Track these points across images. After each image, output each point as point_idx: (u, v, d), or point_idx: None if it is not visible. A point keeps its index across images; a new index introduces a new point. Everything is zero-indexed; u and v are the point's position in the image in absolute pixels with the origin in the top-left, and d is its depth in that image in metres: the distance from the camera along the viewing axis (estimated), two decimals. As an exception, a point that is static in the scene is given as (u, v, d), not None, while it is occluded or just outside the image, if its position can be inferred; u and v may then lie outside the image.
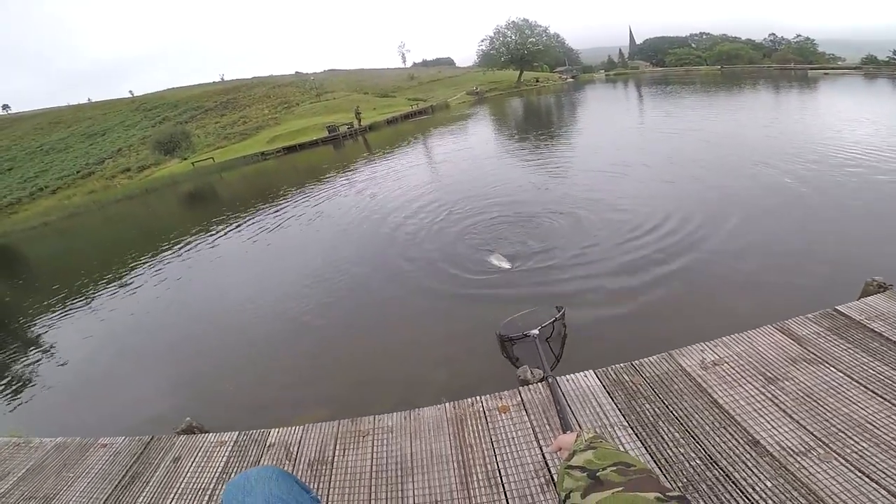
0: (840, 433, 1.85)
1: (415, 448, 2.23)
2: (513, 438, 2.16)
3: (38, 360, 6.05)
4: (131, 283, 8.34)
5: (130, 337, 6.12)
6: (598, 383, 2.38)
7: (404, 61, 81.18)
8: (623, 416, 2.17)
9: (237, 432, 2.61)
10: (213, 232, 10.74)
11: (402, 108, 36.46)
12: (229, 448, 2.50)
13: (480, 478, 2.01)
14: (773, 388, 2.13)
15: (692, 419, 2.08)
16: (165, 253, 9.88)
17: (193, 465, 2.43)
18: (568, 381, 2.44)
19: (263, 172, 21.64)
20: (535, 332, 3.38)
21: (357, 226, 8.73)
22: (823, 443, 1.83)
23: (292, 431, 2.53)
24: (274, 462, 2.31)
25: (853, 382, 2.08)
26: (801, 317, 2.54)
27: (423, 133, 22.96)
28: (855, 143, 8.94)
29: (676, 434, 2.02)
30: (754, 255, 4.87)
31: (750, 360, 2.33)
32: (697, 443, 1.96)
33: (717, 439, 1.96)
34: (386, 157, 17.50)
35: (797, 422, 1.94)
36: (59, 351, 6.24)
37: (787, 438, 1.88)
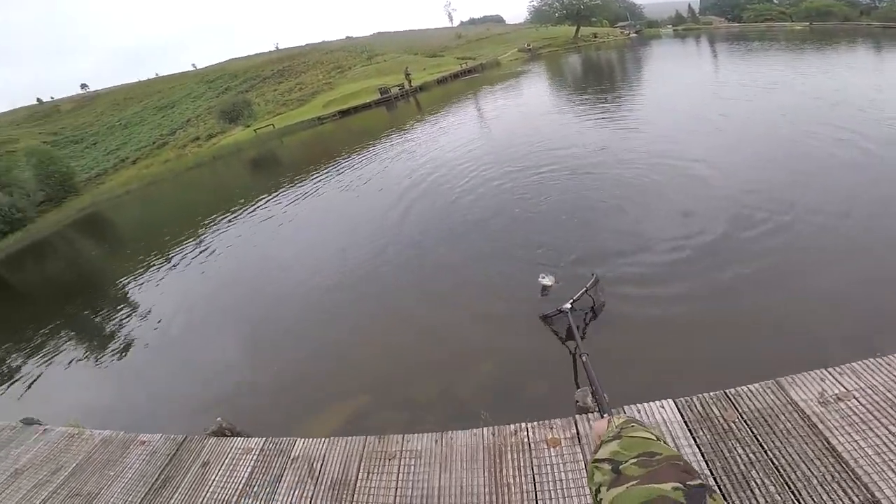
0: None
1: (444, 480, 2.07)
2: (560, 480, 1.93)
3: (119, 325, 7.08)
4: (203, 249, 9.48)
5: (197, 306, 6.89)
6: (678, 417, 2.01)
7: (451, 20, 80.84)
8: (706, 461, 1.83)
9: (263, 439, 2.64)
10: (276, 196, 11.85)
11: (451, 67, 36.90)
12: (254, 457, 2.53)
13: (517, 526, 1.84)
14: None
15: (797, 470, 1.68)
16: (231, 217, 11.12)
17: (219, 473, 2.50)
18: (639, 411, 2.10)
19: (321, 136, 23.17)
20: (567, 306, 3.51)
21: (412, 188, 9.01)
22: None
23: (317, 444, 2.50)
24: (296, 479, 2.33)
25: None
26: None
27: (474, 91, 22.94)
28: None
29: (772, 488, 1.64)
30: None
31: (888, 395, 1.85)
32: (798, 500, 1.61)
33: (826, 497, 1.57)
34: (437, 117, 17.82)
35: None
36: (140, 314, 7.28)
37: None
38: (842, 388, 1.92)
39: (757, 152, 6.59)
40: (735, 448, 1.84)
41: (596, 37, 45.05)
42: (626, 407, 2.14)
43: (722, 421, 1.96)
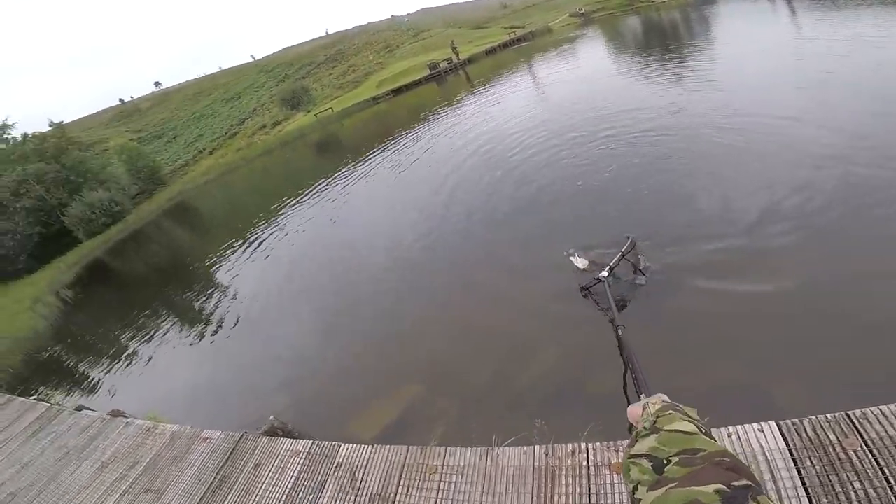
0: None
1: (486, 501, 1.91)
2: (622, 511, 1.71)
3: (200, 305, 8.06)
4: (279, 229, 10.49)
5: (262, 293, 7.47)
6: (781, 444, 1.65)
7: (495, -12, 77.90)
8: (809, 497, 1.50)
9: (311, 442, 2.68)
10: (341, 177, 12.67)
11: (498, 37, 36.26)
12: (301, 460, 2.57)
13: (571, 565, 1.64)
14: None
15: None
16: (306, 199, 12.00)
17: (269, 475, 2.58)
18: (731, 434, 1.77)
19: (377, 115, 24.33)
20: (605, 273, 3.44)
21: (465, 161, 9.17)
22: None
23: (361, 450, 2.46)
24: (338, 488, 2.31)
25: None
26: None
27: (525, 60, 22.36)
28: None
29: None
30: None
31: None
32: None
33: None
34: (488, 87, 17.73)
35: None
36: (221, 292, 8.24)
37: None
38: None
39: (861, 108, 5.40)
40: (851, 481, 1.47)
41: (654, -3, 41.66)
42: (713, 429, 1.79)
43: (839, 450, 1.57)
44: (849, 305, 2.91)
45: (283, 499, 2.40)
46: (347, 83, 44.21)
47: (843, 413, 1.70)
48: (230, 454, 2.91)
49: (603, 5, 41.00)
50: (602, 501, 1.75)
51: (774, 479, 1.58)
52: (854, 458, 1.53)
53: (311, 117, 32.90)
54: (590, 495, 1.79)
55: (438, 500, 2.02)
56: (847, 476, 1.49)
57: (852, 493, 1.44)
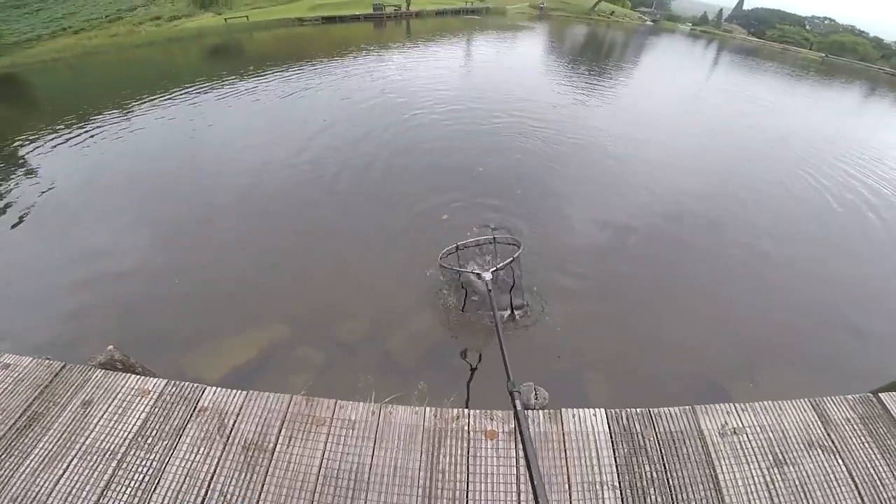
0: None
1: (377, 457, 2.11)
2: (492, 474, 2.10)
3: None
4: (131, 123, 8.43)
5: (103, 184, 6.08)
6: (606, 428, 2.26)
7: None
8: (618, 474, 2.14)
9: (164, 381, 2.34)
10: (229, 86, 11.12)
11: (455, 1, 36.31)
12: (152, 401, 2.25)
13: (447, 516, 2.02)
14: (776, 472, 2.11)
15: (685, 492, 2.05)
16: (174, 99, 10.03)
17: (105, 416, 2.18)
18: (574, 416, 2.30)
19: (296, 37, 22.10)
20: (488, 276, 3.22)
21: (372, 107, 9.43)
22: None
23: (232, 395, 2.29)
24: (202, 434, 2.14)
25: (848, 479, 2.10)
26: (840, 398, 2.47)
27: (468, 32, 23.57)
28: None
29: None
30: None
31: (770, 435, 2.28)
32: None
33: None
34: (424, 46, 18.41)
35: None
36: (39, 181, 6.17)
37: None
38: (740, 423, 2.34)
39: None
40: (643, 465, 2.17)
41: (612, 14, 45.50)
42: (563, 410, 2.36)
43: (640, 438, 2.28)
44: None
45: (126, 443, 2.09)
46: (278, -5, 35.66)
47: (646, 409, 2.42)
48: (45, 387, 2.32)
49: (564, 6, 44.23)
50: (477, 462, 2.13)
51: (598, 455, 2.19)
52: (648, 447, 2.24)
53: (220, 21, 28.30)
54: (468, 456, 2.16)
55: (327, 452, 2.11)
56: (642, 460, 2.18)
57: (644, 474, 2.11)
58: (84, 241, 4.77)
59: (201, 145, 7.41)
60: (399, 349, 3.43)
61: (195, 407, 2.24)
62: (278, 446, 2.13)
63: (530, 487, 1.45)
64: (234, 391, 2.32)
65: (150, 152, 7.05)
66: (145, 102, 9.76)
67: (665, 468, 2.16)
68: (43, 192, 5.70)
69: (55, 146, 7.29)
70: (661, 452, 2.21)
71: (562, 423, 2.30)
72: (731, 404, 2.41)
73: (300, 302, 3.95)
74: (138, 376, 2.37)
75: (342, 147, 7.19)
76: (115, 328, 3.57)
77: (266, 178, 6.10)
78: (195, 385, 2.33)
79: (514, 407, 1.75)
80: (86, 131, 7.93)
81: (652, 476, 2.13)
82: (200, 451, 2.08)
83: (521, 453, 2.17)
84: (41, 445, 2.06)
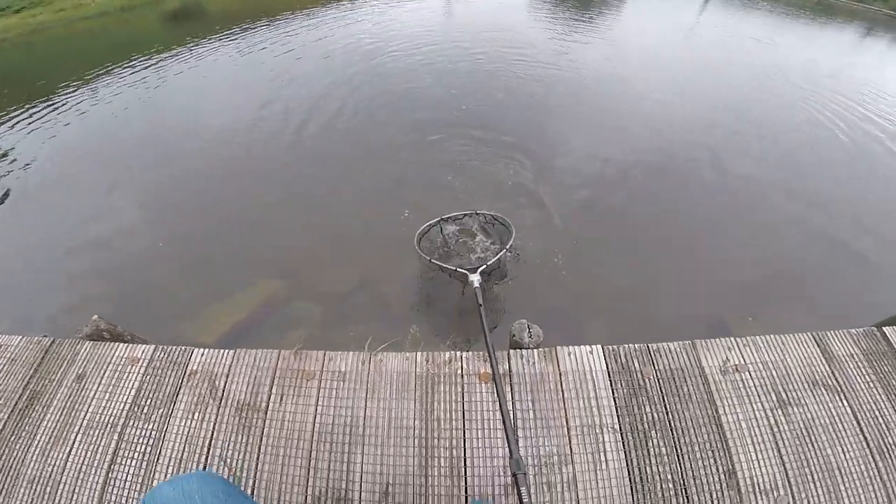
0: (809, 476, 1.94)
1: (371, 408, 2.09)
2: (487, 419, 2.08)
3: None
4: (95, 94, 7.73)
5: (75, 155, 5.75)
6: (604, 366, 2.21)
7: None
8: (618, 416, 2.13)
9: (152, 347, 2.29)
10: (191, 49, 10.06)
11: None
12: (143, 368, 2.21)
13: (443, 463, 1.97)
14: (779, 413, 2.08)
15: (687, 434, 2.03)
16: (134, 67, 9.12)
17: (100, 388, 2.17)
18: (570, 354, 2.24)
19: None
20: (475, 279, 2.74)
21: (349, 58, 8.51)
22: (790, 483, 1.91)
23: (220, 356, 2.24)
24: (195, 399, 2.12)
25: (853, 422, 2.08)
26: (844, 331, 2.36)
27: None
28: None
29: (664, 450, 2.00)
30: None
31: (774, 372, 2.23)
32: (679, 464, 1.96)
33: (700, 464, 1.96)
34: None
35: (781, 457, 1.98)
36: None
37: (761, 474, 1.94)
38: (741, 360, 2.28)
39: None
40: (644, 406, 2.15)
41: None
42: (558, 348, 2.30)
43: (640, 376, 2.23)
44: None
45: (124, 414, 2.09)
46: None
47: (645, 345, 2.36)
48: (38, 364, 2.27)
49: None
50: (472, 407, 2.12)
51: (597, 396, 2.16)
52: (648, 385, 2.21)
53: None
54: (462, 402, 2.14)
55: (320, 407, 2.10)
56: (642, 400, 2.15)
57: (645, 415, 2.09)
58: (64, 213, 4.59)
59: (169, 110, 6.89)
60: (391, 295, 3.36)
61: (185, 371, 2.20)
62: (270, 404, 2.11)
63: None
64: (223, 351, 2.27)
65: (119, 121, 6.58)
66: (106, 73, 8.95)
67: (666, 409, 2.13)
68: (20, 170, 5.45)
69: (19, 124, 6.81)
70: (662, 392, 2.18)
71: (557, 363, 2.25)
72: (732, 339, 2.33)
73: (288, 257, 3.83)
74: (127, 344, 2.32)
75: (316, 95, 6.78)
76: (102, 298, 3.52)
77: (239, 136, 5.74)
78: (183, 348, 2.28)
79: (519, 494, 1.30)
80: (51, 106, 7.36)
81: (653, 417, 2.11)
82: (195, 417, 2.08)
83: (515, 397, 2.15)
84: (45, 424, 2.07)
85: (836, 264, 4.00)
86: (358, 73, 7.50)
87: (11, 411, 2.11)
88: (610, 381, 2.21)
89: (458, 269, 2.97)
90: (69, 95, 7.88)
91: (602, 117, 6.23)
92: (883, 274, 3.92)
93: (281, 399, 2.12)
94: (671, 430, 2.07)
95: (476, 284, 2.69)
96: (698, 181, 4.95)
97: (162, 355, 2.27)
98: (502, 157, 5.02)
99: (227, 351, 2.26)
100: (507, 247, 3.19)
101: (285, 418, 2.07)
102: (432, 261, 3.14)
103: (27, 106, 7.58)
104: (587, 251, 3.90)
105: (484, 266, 2.95)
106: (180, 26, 16.30)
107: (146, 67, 9.00)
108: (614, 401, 2.15)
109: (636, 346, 2.33)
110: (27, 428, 2.06)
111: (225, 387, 2.15)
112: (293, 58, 8.59)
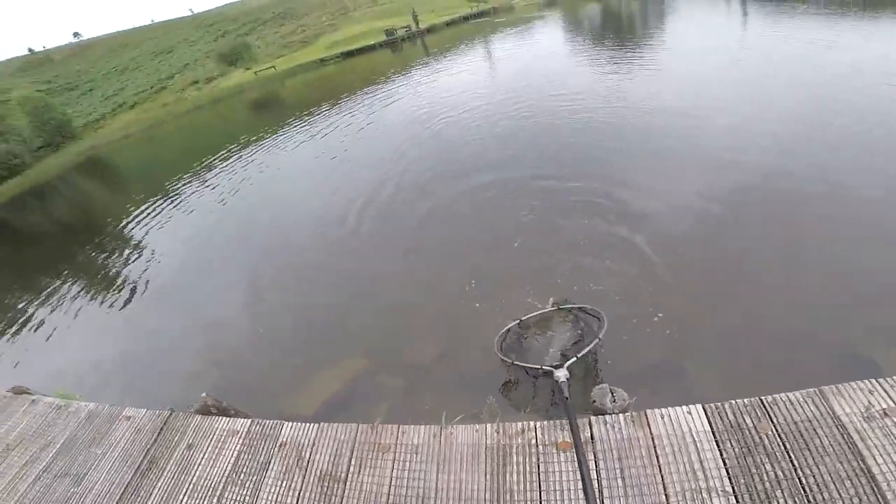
0: None
1: (442, 480, 2.04)
2: (569, 490, 1.89)
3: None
4: (204, 186, 10.27)
5: (194, 254, 7.37)
6: (706, 427, 1.91)
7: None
8: (730, 477, 1.76)
9: (250, 420, 2.63)
10: (280, 135, 12.92)
11: (460, 9, 37.04)
12: (241, 439, 2.52)
13: (520, 537, 1.81)
14: None
15: (825, 491, 1.59)
16: (230, 155, 11.95)
17: (205, 456, 2.50)
18: (662, 417, 2.00)
19: (324, 78, 24.15)
20: (562, 375, 2.56)
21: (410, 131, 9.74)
22: None
23: (307, 429, 2.46)
24: (284, 469, 2.34)
25: None
26: None
27: (484, 34, 23.50)
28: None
29: None
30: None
31: None
32: None
33: None
34: (446, 58, 18.73)
35: None
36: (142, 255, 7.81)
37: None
38: (890, 403, 1.81)
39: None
40: (764, 464, 1.75)
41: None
42: (648, 411, 2.07)
43: (754, 432, 1.86)
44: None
45: (224, 480, 2.36)
46: (295, 42, 42.56)
47: (757, 398, 2.00)
48: (158, 434, 2.79)
49: (570, -11, 44.21)
50: (550, 478, 1.93)
51: (701, 458, 1.83)
52: (766, 441, 1.82)
53: (251, 75, 31.79)
54: (538, 472, 1.97)
55: (393, 479, 2.11)
56: (760, 458, 1.77)
57: (765, 474, 1.71)
58: (178, 304, 5.78)
59: (270, 198, 8.50)
60: (469, 369, 3.36)
61: (276, 442, 2.45)
62: (350, 475, 2.19)
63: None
64: (309, 424, 2.49)
65: (227, 211, 8.30)
66: (212, 165, 11.60)
67: (794, 465, 1.71)
68: (151, 267, 7.14)
69: (148, 222, 9.07)
70: (786, 447, 1.77)
71: (649, 427, 2.00)
72: (872, 381, 1.88)
73: (375, 335, 4.16)
74: (229, 418, 2.70)
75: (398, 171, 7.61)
76: (209, 378, 4.14)
77: (338, 224, 6.47)
78: (275, 422, 2.57)
79: None
80: (171, 203, 9.77)
81: (776, 475, 1.70)
82: (283, 484, 2.24)
83: (601, 466, 1.92)
84: (159, 486, 2.43)
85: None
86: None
87: (134, 474, 2.51)
88: (715, 440, 1.88)
89: (543, 368, 2.81)
90: (184, 188, 10.26)
91: (678, 156, 5.82)
92: None
93: (359, 470, 2.19)
94: (802, 488, 1.63)
95: (563, 379, 2.55)
96: (813, 210, 4.22)
97: (257, 428, 2.56)
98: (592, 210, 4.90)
99: (312, 424, 2.48)
100: (600, 336, 2.96)
101: (363, 489, 2.11)
102: (515, 363, 3.03)
103: (151, 200, 10.04)
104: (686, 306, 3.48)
105: (574, 359, 2.80)
106: (263, 113, 19.60)
107: (242, 157, 11.33)
108: (723, 461, 1.80)
109: (747, 401, 1.99)
110: (145, 488, 2.41)
111: (310, 457, 2.31)
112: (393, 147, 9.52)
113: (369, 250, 5.60)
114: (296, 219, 7.31)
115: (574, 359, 2.79)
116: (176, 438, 2.72)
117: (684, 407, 2.04)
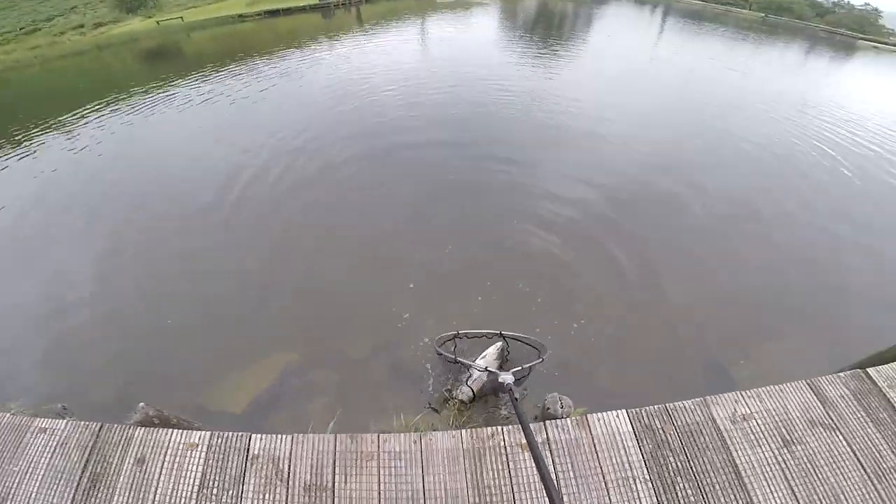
0: (817, 502, 2.25)
1: (428, 482, 2.37)
2: (534, 483, 2.41)
3: None
4: (74, 136, 8.83)
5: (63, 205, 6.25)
6: (630, 428, 2.56)
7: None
8: (647, 468, 2.44)
9: (209, 433, 2.56)
10: (174, 89, 11.79)
11: None
12: (202, 452, 2.48)
13: (500, 527, 2.29)
14: (785, 452, 2.43)
15: (708, 477, 2.35)
16: (112, 106, 10.53)
17: (164, 471, 2.40)
18: (599, 420, 2.60)
19: (238, 35, 22.56)
20: (509, 377, 2.94)
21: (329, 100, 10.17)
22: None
23: (279, 441, 2.53)
24: (263, 481, 2.43)
25: (850, 453, 2.43)
26: (833, 376, 2.80)
27: (422, 13, 24.48)
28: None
29: (689, 492, 2.29)
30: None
31: (776, 418, 2.60)
32: (705, 502, 2.29)
33: (723, 501, 2.27)
34: (375, 32, 19.49)
35: (791, 489, 2.31)
36: None
37: (774, 504, 2.25)
38: (748, 409, 2.66)
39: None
40: (668, 457, 2.47)
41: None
42: (589, 415, 2.66)
43: (661, 432, 2.58)
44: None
45: (195, 495, 2.34)
46: (213, -8, 36.05)
47: (663, 405, 2.73)
48: (92, 448, 2.56)
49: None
50: (519, 475, 2.40)
51: (627, 453, 2.48)
52: (670, 440, 2.54)
53: (152, 24, 28.17)
54: (510, 471, 2.44)
55: (382, 484, 2.38)
56: (666, 453, 2.48)
57: (670, 465, 2.41)
58: (49, 277, 4.86)
59: (151, 157, 7.68)
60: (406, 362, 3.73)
61: (247, 455, 2.50)
62: (336, 483, 2.39)
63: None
64: (280, 436, 2.56)
65: (102, 168, 7.32)
66: (85, 114, 10.14)
67: (687, 458, 2.45)
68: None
69: None
70: (682, 444, 2.51)
71: (589, 428, 2.59)
72: (738, 392, 2.73)
73: (301, 323, 4.19)
74: (180, 430, 2.61)
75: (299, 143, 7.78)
76: (117, 374, 3.77)
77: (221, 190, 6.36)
78: (241, 434, 2.57)
79: None
80: (26, 151, 8.27)
81: (677, 466, 2.42)
82: (266, 498, 2.33)
83: (557, 461, 2.46)
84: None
85: (814, 294, 4.72)
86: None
87: (74, 492, 2.34)
88: (637, 439, 2.55)
89: (490, 370, 3.18)
90: (49, 138, 8.76)
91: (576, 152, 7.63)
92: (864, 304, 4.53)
93: (346, 478, 2.40)
94: (694, 475, 2.37)
95: (509, 381, 2.92)
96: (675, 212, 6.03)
97: (219, 441, 2.54)
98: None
99: (284, 436, 2.56)
100: (544, 357, 3.45)
101: (352, 496, 2.33)
102: (458, 360, 3.42)
103: (8, 147, 8.39)
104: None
105: (518, 368, 3.28)
106: (157, 64, 17.65)
107: (124, 109, 10.12)
108: (642, 455, 2.47)
109: (656, 407, 2.70)
110: (97, 506, 2.28)
111: (290, 469, 2.43)
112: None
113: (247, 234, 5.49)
114: (196, 183, 6.72)
115: (519, 367, 3.32)
116: (118, 453, 2.52)
117: (614, 412, 2.68)
